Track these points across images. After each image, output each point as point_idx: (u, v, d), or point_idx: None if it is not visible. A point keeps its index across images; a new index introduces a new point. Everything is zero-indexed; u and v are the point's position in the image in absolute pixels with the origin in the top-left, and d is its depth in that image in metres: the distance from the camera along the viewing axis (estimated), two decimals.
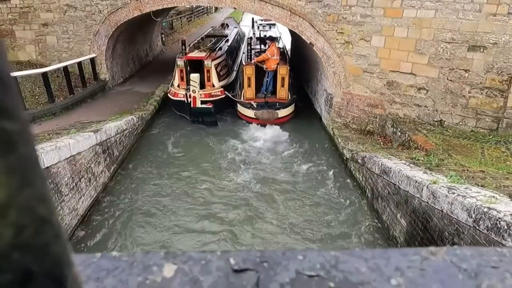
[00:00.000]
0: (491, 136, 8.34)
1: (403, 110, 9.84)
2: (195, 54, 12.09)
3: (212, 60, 11.65)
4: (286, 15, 10.67)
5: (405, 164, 6.86)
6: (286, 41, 17.99)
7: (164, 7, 12.23)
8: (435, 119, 9.41)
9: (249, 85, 11.64)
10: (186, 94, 10.83)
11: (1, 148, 0.25)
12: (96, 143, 8.08)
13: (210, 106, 10.84)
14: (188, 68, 10.91)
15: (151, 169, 9.40)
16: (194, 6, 31.92)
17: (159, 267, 0.55)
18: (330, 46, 10.36)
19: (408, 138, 8.58)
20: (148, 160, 9.86)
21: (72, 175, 7.06)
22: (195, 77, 10.57)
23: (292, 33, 13.00)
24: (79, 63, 11.92)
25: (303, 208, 7.86)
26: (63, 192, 6.69)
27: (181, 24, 29.96)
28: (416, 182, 5.87)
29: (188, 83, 10.71)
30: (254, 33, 17.29)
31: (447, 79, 8.96)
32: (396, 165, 6.80)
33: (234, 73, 13.56)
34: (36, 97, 10.87)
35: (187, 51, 11.90)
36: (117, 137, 9.29)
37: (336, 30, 10.15)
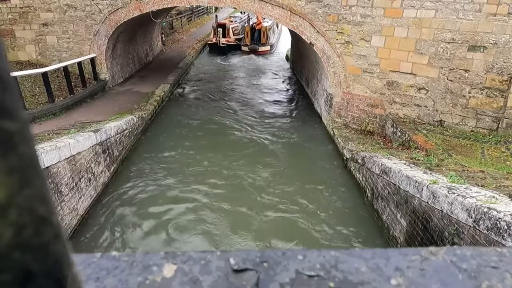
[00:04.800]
0: (491, 136, 8.34)
1: (403, 110, 9.84)
2: (222, 21, 24.12)
3: (229, 24, 23.67)
4: (286, 15, 10.67)
5: (405, 164, 6.86)
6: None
7: (164, 7, 12.24)
8: (435, 119, 9.41)
9: (247, 36, 23.45)
10: (216, 39, 22.84)
11: (1, 148, 0.25)
12: (96, 143, 8.08)
13: (225, 45, 22.81)
14: (218, 28, 23.12)
15: (151, 168, 9.39)
16: (194, 6, 31.93)
17: (159, 267, 0.55)
18: (330, 46, 10.36)
19: (408, 138, 8.58)
20: (148, 159, 9.86)
21: (72, 175, 7.06)
22: (219, 30, 22.88)
23: (293, 33, 13.01)
24: (79, 63, 11.91)
25: (302, 207, 7.86)
26: (63, 192, 6.69)
27: (181, 24, 29.95)
28: (416, 182, 5.87)
29: (216, 34, 22.73)
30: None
31: (447, 79, 8.96)
32: (396, 165, 6.80)
33: (243, 34, 23.96)
34: (36, 97, 10.87)
35: (218, 20, 23.70)
36: (117, 137, 9.29)
37: (336, 30, 10.15)
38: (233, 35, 23.19)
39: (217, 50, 22.81)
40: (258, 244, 6.83)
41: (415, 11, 8.86)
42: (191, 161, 9.77)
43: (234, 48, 23.16)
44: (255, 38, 23.12)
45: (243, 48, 23.22)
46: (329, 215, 7.65)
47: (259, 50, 22.72)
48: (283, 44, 25.40)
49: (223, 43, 22.63)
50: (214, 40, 23.00)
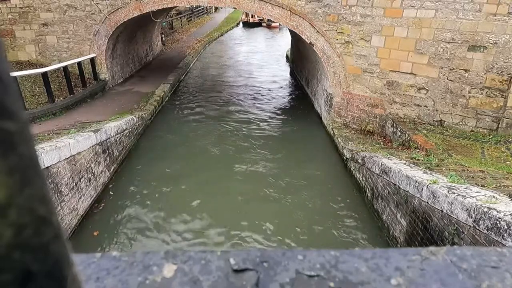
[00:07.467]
0: (491, 136, 8.34)
1: (403, 110, 9.84)
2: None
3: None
4: (286, 15, 10.67)
5: (405, 164, 6.86)
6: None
7: (164, 7, 12.23)
8: (435, 119, 9.41)
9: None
10: (246, 18, 39.60)
11: (1, 148, 0.25)
12: (96, 143, 8.08)
13: (252, 22, 39.32)
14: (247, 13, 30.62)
15: (152, 167, 9.39)
16: (194, 6, 31.94)
17: (159, 267, 0.55)
18: (330, 46, 10.36)
19: (408, 138, 8.58)
20: (149, 158, 9.86)
21: (72, 175, 7.06)
22: (247, 13, 35.25)
23: (293, 33, 13.01)
24: (79, 63, 11.91)
25: (302, 208, 7.86)
26: (63, 192, 6.69)
27: (181, 24, 29.95)
28: (416, 182, 5.87)
29: (247, 16, 38.85)
30: None
31: (447, 79, 8.96)
32: (396, 165, 6.80)
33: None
34: (36, 97, 10.87)
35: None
36: (117, 137, 9.29)
37: (336, 30, 10.15)
38: (257, 17, 35.75)
39: (247, 25, 39.33)
40: (257, 242, 6.83)
41: (415, 11, 8.85)
42: (191, 159, 9.76)
43: (257, 25, 38.95)
44: (269, 19, 36.43)
45: (263, 24, 38.72)
46: (329, 215, 7.65)
47: (272, 25, 37.31)
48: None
49: (251, 21, 38.85)
50: (246, 19, 39.54)
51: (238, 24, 40.53)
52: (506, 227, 4.02)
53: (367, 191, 8.09)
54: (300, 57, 16.21)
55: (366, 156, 8.13)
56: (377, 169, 7.41)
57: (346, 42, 10.13)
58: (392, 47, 9.47)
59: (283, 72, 19.99)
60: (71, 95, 11.33)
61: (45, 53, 13.12)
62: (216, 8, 42.75)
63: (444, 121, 9.29)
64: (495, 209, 4.28)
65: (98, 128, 8.45)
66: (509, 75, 8.20)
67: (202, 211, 7.68)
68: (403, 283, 0.52)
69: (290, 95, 15.95)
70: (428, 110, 9.46)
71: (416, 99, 9.58)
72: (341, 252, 0.58)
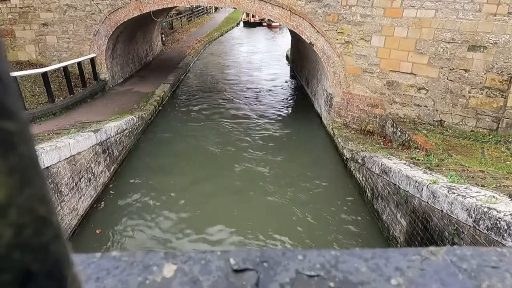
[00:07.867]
0: (491, 136, 8.34)
1: (403, 110, 9.84)
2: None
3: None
4: (286, 15, 10.67)
5: (405, 164, 6.86)
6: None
7: (164, 7, 12.23)
8: (435, 119, 9.41)
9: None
10: (247, 18, 40.20)
11: (1, 148, 0.25)
12: (96, 143, 8.08)
13: (253, 22, 39.97)
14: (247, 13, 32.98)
15: (152, 167, 9.39)
16: (194, 6, 31.95)
17: (159, 267, 0.55)
18: (330, 46, 10.36)
19: (408, 138, 8.58)
20: (149, 158, 9.86)
21: (72, 175, 7.06)
22: (248, 13, 33.68)
23: (293, 33, 13.01)
24: (79, 63, 11.91)
25: (302, 208, 7.86)
26: (63, 192, 6.69)
27: (181, 24, 29.96)
28: (416, 182, 5.87)
29: (248, 16, 39.36)
30: None
31: (447, 79, 8.96)
32: (396, 165, 6.80)
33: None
34: (36, 97, 10.87)
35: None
36: (117, 137, 9.29)
37: (336, 30, 10.15)
38: (258, 16, 35.71)
39: (248, 24, 40.12)
40: (257, 242, 6.83)
41: (415, 11, 8.85)
42: (191, 159, 9.76)
43: (258, 24, 39.75)
44: (269, 19, 38.03)
45: (263, 24, 39.58)
46: (329, 215, 7.65)
47: (272, 25, 37.99)
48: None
49: (251, 21, 39.72)
50: (246, 19, 40.35)
51: (238, 24, 41.14)
52: (506, 227, 4.02)
53: (367, 191, 8.09)
54: (300, 57, 16.21)
55: (366, 156, 8.13)
56: (377, 169, 7.41)
57: (346, 42, 10.13)
58: (392, 47, 9.47)
59: (283, 72, 20.00)
60: (71, 95, 11.33)
61: (45, 53, 13.11)
62: (216, 8, 42.78)
63: (444, 121, 9.29)
64: (495, 209, 4.28)
65: (98, 128, 8.45)
66: (509, 75, 8.20)
67: (202, 211, 7.69)
68: (403, 283, 0.52)
69: (290, 95, 15.95)
70: (428, 110, 9.46)
71: (416, 99, 9.57)
72: (341, 252, 0.58)
